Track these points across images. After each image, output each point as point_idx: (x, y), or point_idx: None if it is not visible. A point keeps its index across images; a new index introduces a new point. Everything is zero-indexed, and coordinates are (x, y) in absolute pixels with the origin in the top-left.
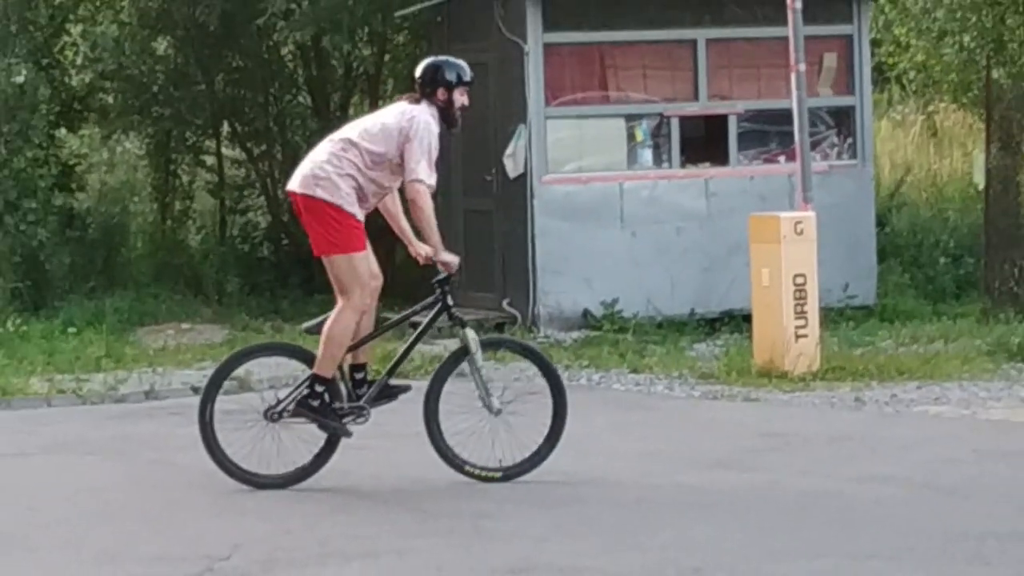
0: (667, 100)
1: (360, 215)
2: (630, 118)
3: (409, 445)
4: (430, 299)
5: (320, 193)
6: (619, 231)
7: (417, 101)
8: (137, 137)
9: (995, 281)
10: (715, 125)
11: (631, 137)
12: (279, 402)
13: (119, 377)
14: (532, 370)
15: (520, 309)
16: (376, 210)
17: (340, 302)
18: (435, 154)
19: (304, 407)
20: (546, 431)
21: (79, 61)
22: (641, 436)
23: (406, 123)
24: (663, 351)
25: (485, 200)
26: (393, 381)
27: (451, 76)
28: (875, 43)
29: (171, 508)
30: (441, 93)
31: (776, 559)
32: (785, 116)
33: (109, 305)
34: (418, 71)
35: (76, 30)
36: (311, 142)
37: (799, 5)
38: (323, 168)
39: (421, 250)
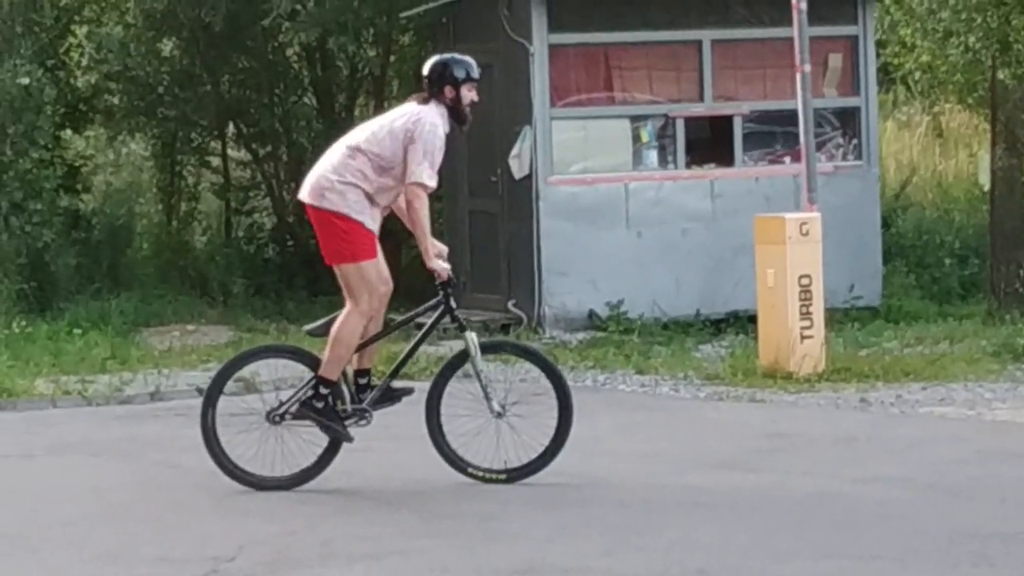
0: (672, 101)
1: (370, 222)
2: (635, 119)
3: (413, 447)
4: (433, 301)
5: (327, 203)
6: (624, 232)
7: (426, 100)
8: (142, 138)
9: (1000, 282)
10: (720, 126)
11: (636, 138)
12: (281, 404)
13: (124, 378)
14: (535, 372)
15: (525, 310)
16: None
17: (348, 305)
18: (439, 156)
19: (308, 409)
20: (551, 433)
21: (84, 62)
22: (646, 437)
23: (411, 125)
24: (668, 352)
25: (491, 201)
26: (396, 384)
27: (457, 73)
28: (880, 44)
29: (176, 509)
30: (448, 91)
31: (781, 560)
32: (790, 117)
33: (114, 306)
34: (425, 69)
35: (81, 31)
36: (316, 143)
37: (804, 6)
38: (328, 178)
39: (435, 265)
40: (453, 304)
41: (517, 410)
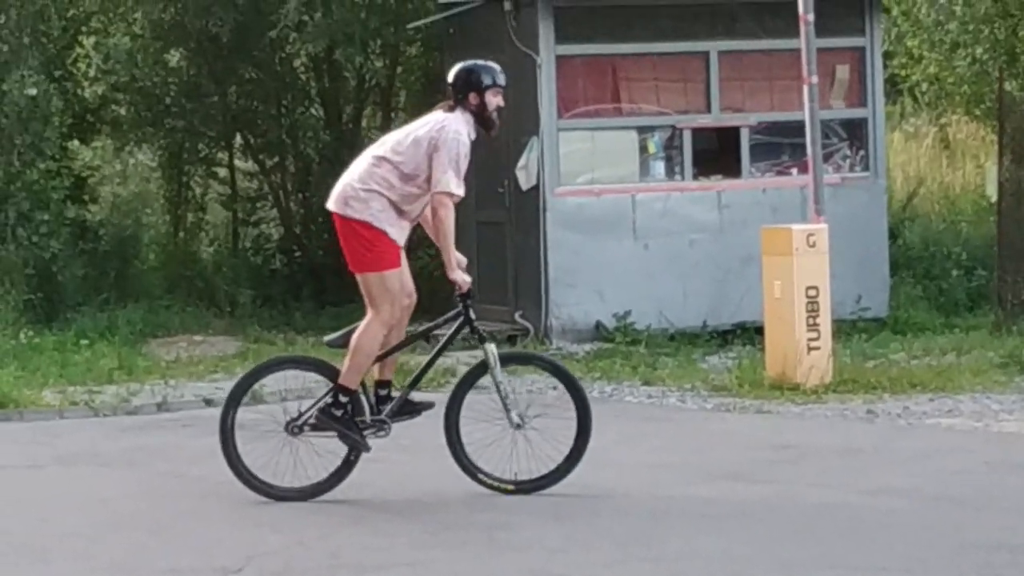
0: (679, 112)
1: (395, 232)
2: (642, 130)
3: (423, 458)
4: (452, 312)
5: (351, 212)
6: (631, 243)
7: (452, 108)
8: (150, 149)
9: (1007, 294)
10: (727, 137)
11: (643, 149)
12: (300, 415)
13: (131, 389)
14: (551, 382)
15: (532, 321)
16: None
17: (369, 314)
18: (464, 164)
19: (327, 417)
20: (568, 448)
21: (92, 73)
22: (653, 448)
23: (435, 133)
24: (675, 363)
25: (498, 212)
26: (416, 397)
27: (482, 79)
28: (887, 55)
29: (184, 520)
30: (473, 97)
31: (788, 570)
32: (797, 128)
33: (122, 317)
34: (449, 76)
35: (89, 42)
36: (323, 154)
37: (812, 17)
38: (353, 186)
39: (457, 277)
40: (473, 315)
41: (537, 424)
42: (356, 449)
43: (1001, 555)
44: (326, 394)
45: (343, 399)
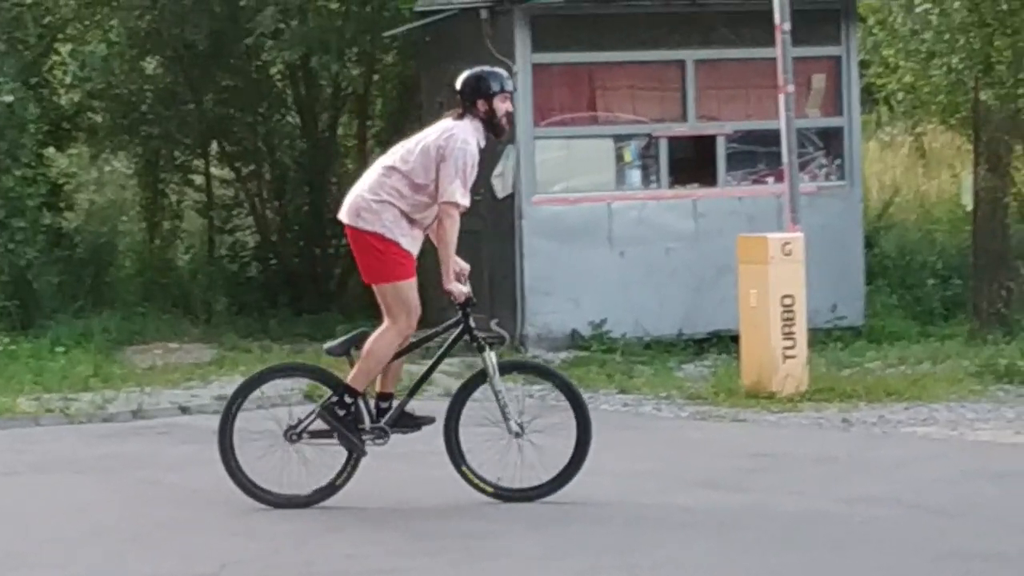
0: (656, 121)
1: (408, 242)
2: (619, 139)
3: (399, 465)
4: (452, 320)
5: (362, 223)
6: (607, 251)
7: (461, 116)
8: (126, 156)
9: (983, 302)
10: (704, 146)
11: (619, 158)
12: (300, 422)
13: (107, 396)
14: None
15: (508, 329)
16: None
17: (386, 322)
18: (471, 173)
19: (329, 414)
20: (564, 461)
21: (68, 80)
22: (630, 456)
23: (443, 142)
24: (651, 372)
25: (473, 220)
26: (417, 411)
27: (489, 86)
28: (863, 64)
29: (160, 527)
30: (481, 104)
31: None
32: (773, 137)
33: (97, 324)
34: (457, 83)
35: (65, 49)
36: (299, 162)
37: (788, 27)
38: (364, 197)
39: (452, 287)
40: (473, 324)
41: (536, 435)
42: (353, 452)
43: (977, 563)
44: (332, 394)
45: (348, 399)
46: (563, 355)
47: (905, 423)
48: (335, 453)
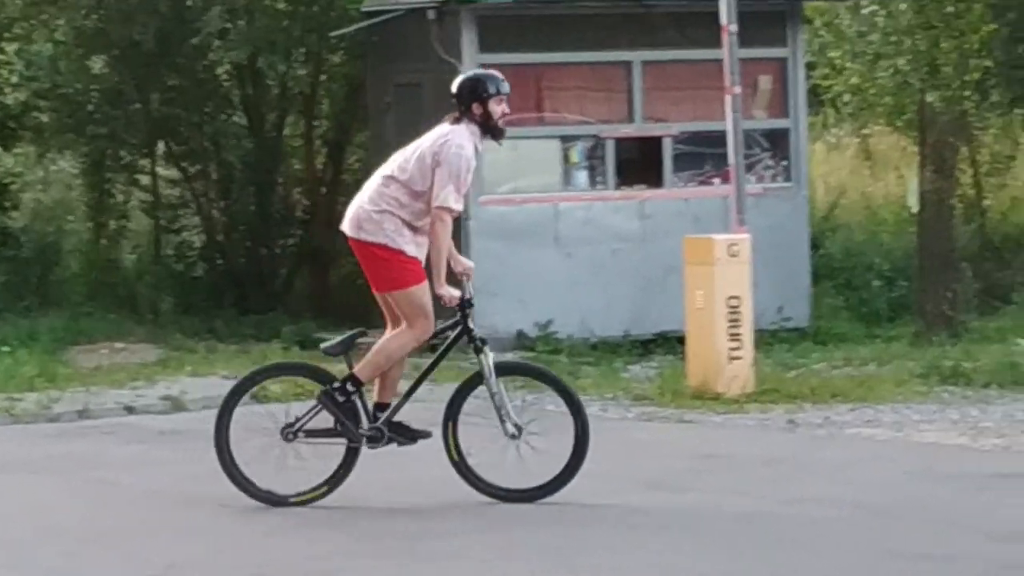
0: (602, 122)
1: (413, 248)
2: (565, 139)
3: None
4: (450, 321)
5: (364, 234)
6: (554, 252)
7: (457, 120)
8: (72, 156)
9: (928, 304)
10: (650, 147)
11: (566, 158)
12: (298, 420)
13: (53, 396)
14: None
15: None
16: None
17: (404, 325)
18: (465, 178)
19: (329, 400)
20: (560, 465)
21: (14, 80)
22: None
23: (438, 147)
24: (597, 372)
25: None
26: (415, 426)
27: (483, 89)
28: (810, 66)
29: (105, 528)
30: (476, 107)
31: None
32: (720, 138)
33: (43, 324)
34: (453, 88)
35: (11, 48)
36: (246, 162)
37: (734, 28)
38: (364, 208)
39: (442, 292)
40: (471, 325)
41: (533, 437)
42: (351, 440)
43: (922, 564)
44: (335, 382)
45: (350, 387)
46: (509, 356)
47: (850, 424)
48: (332, 452)
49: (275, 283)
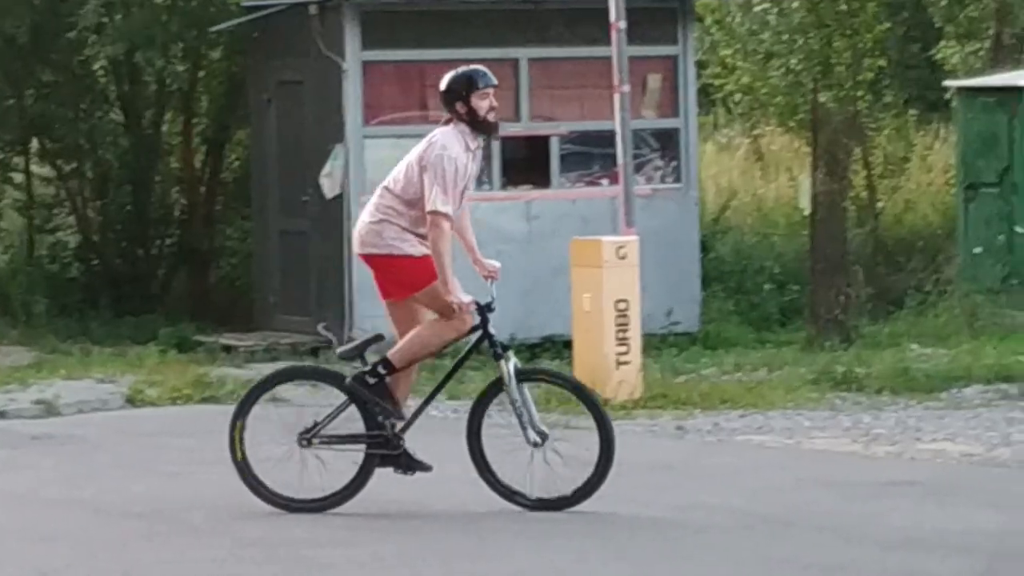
0: None
1: (421, 250)
2: None
3: (220, 471)
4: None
5: (370, 249)
6: None
7: (448, 122)
8: None
9: (820, 308)
10: (537, 146)
11: None
12: (316, 424)
13: None
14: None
15: (336, 333)
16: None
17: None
18: (452, 179)
19: (359, 383)
20: (585, 475)
21: None
22: (462, 463)
23: (424, 152)
24: (482, 377)
25: (301, 221)
26: (418, 457)
27: (462, 87)
28: (700, 65)
29: None
30: (460, 107)
31: None
32: (608, 138)
33: None
34: (441, 87)
35: None
36: (123, 159)
37: (623, 25)
38: (365, 223)
39: (452, 300)
40: (492, 330)
41: (556, 444)
42: (389, 417)
43: (812, 573)
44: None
45: (382, 370)
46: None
47: (740, 431)
48: (349, 457)
49: (152, 284)
